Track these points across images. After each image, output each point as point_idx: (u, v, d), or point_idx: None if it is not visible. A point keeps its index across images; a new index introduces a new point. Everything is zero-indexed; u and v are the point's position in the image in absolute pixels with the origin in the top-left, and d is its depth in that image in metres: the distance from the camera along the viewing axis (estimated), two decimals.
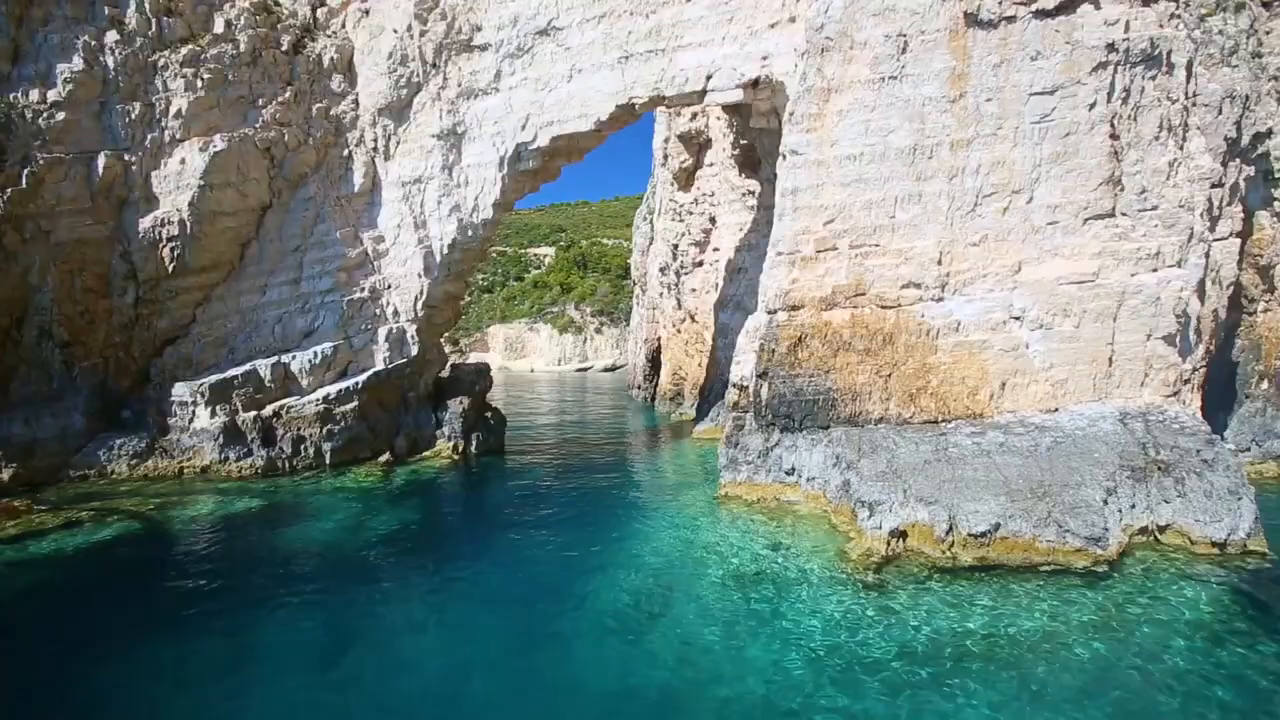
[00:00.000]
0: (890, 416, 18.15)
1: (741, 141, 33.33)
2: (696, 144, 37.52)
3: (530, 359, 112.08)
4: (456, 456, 25.97)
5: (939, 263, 18.10)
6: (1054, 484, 14.73)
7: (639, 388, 53.00)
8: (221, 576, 14.85)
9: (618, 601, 13.38)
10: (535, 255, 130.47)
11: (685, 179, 38.32)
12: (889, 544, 14.43)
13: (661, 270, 41.94)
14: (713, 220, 37.07)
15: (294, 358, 24.39)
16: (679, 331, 40.62)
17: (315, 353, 24.54)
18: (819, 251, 18.80)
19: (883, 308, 18.33)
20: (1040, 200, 17.84)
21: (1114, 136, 17.47)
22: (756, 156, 32.17)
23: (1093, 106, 17.37)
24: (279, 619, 12.97)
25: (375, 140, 26.11)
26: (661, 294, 43.31)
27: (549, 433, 35.33)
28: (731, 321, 33.69)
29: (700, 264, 37.88)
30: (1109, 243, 17.52)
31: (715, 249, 37.01)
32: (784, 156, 19.79)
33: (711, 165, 36.92)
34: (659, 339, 50.16)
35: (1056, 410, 17.46)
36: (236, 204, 23.59)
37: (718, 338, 35.08)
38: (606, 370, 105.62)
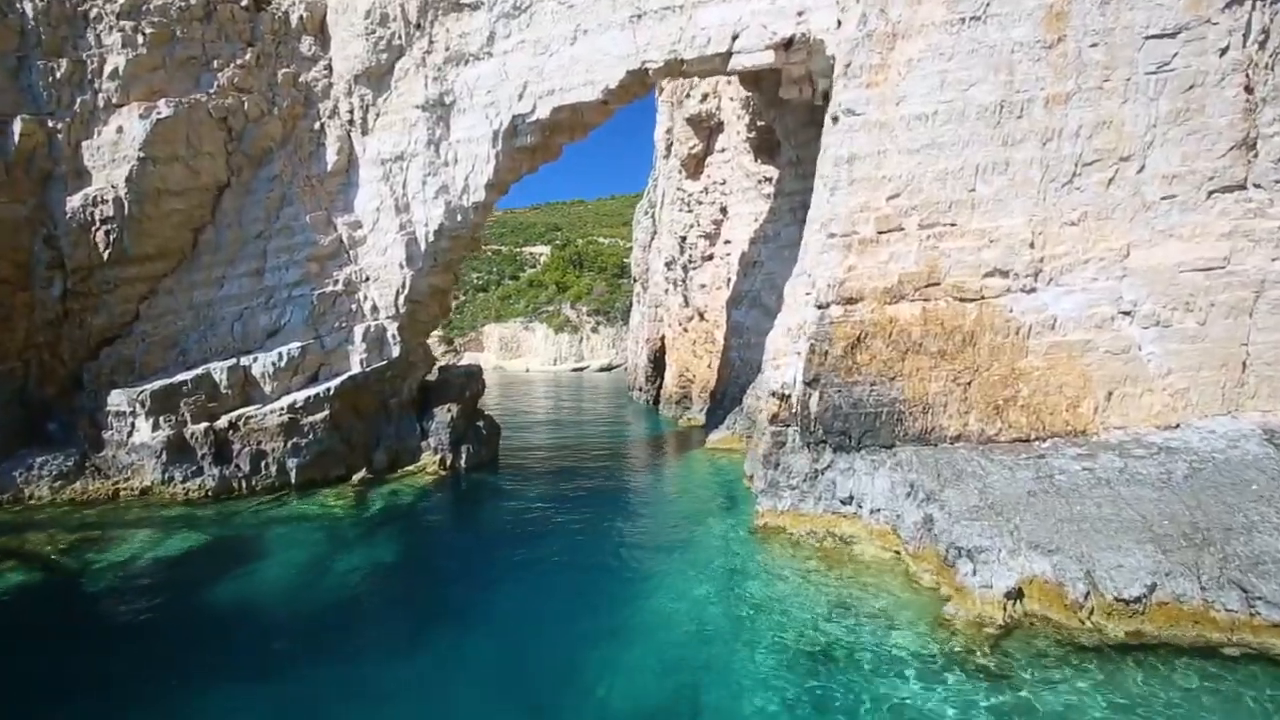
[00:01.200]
0: (970, 434, 14.38)
1: (758, 123, 29.48)
2: (707, 128, 33.63)
3: (525, 359, 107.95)
4: (444, 471, 21.96)
5: (1031, 245, 14.31)
6: (1212, 527, 10.98)
7: (640, 389, 49.14)
8: (139, 654, 10.89)
9: (641, 697, 9.54)
10: (530, 254, 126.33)
11: (694, 166, 34.43)
12: (1006, 608, 10.65)
13: (667, 265, 38.07)
14: (724, 211, 33.25)
15: (255, 360, 20.34)
16: (686, 330, 36.80)
17: (281, 354, 20.51)
18: (881, 233, 14.97)
19: (961, 300, 14.52)
20: (1154, 169, 14.07)
21: (1248, 90, 13.76)
22: (775, 139, 28.35)
23: (1224, 52, 13.61)
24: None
25: (351, 112, 22.08)
26: (667, 290, 39.45)
27: (546, 440, 31.40)
28: (746, 320, 29.89)
29: (710, 258, 34.04)
30: (1241, 220, 13.76)
31: (727, 242, 33.19)
32: (834, 119, 15.97)
33: (723, 151, 33.07)
34: (662, 339, 46.28)
35: (1177, 427, 13.72)
36: (186, 181, 19.52)
37: (730, 337, 31.24)
38: (603, 370, 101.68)
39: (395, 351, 21.78)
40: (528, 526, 17.50)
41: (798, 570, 13.51)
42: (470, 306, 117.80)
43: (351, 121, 22.11)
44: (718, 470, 23.11)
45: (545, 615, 12.46)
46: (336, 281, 21.69)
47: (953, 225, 14.66)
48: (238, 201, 20.85)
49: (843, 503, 14.81)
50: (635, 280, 56.10)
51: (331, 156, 22.01)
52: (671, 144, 48.32)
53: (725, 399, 30.19)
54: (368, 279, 22.11)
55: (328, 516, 17.89)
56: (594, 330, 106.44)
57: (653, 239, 51.49)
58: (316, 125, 21.91)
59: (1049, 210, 14.39)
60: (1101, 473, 12.68)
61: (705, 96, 32.98)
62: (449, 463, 22.18)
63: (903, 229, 14.89)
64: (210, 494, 18.60)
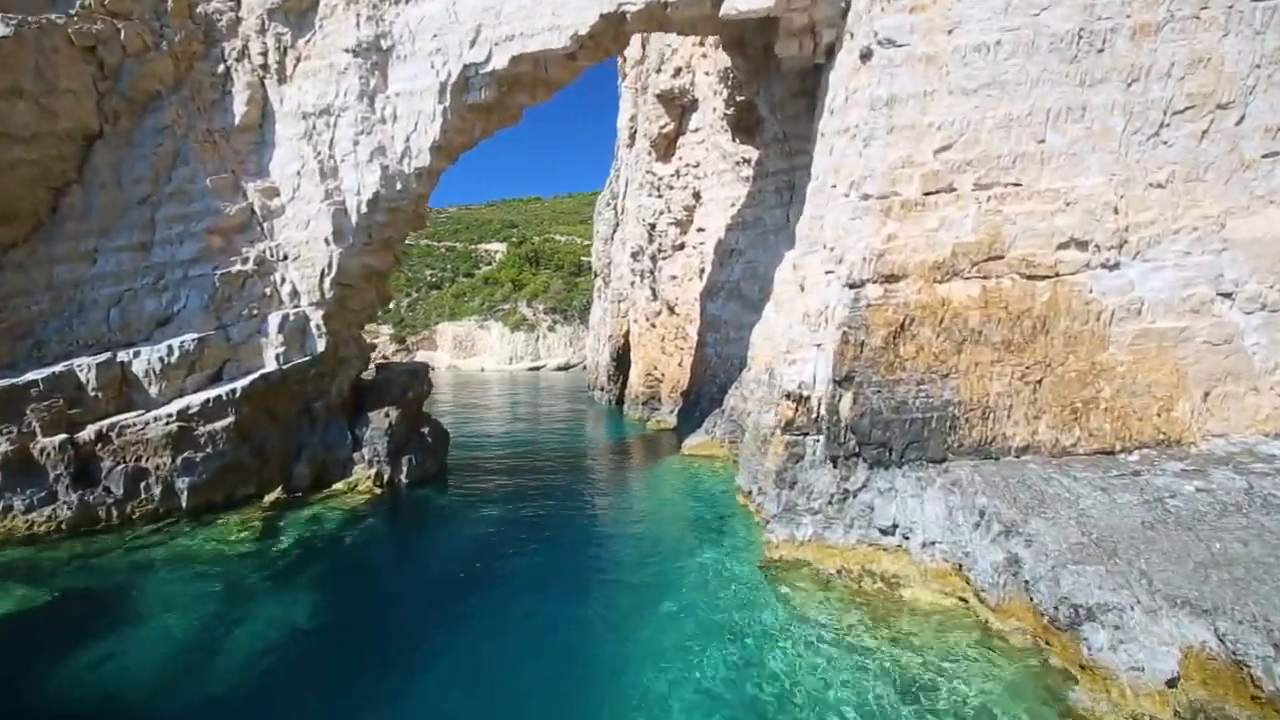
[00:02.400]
0: (1041, 444, 11.14)
1: (737, 98, 26.00)
2: (679, 106, 30.03)
3: (480, 358, 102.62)
4: (379, 489, 17.65)
5: (1115, 211, 11.19)
6: None
7: (602, 389, 45.31)
8: None
9: None
10: (486, 251, 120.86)
11: (665, 147, 30.81)
12: (1172, 702, 7.35)
13: (634, 256, 34.35)
14: (697, 196, 29.74)
15: (137, 354, 15.71)
16: (654, 326, 33.18)
17: (171, 347, 15.92)
18: (928, 193, 11.60)
19: (1030, 278, 11.25)
20: (1256, 119, 11.08)
21: None
22: (756, 117, 24.94)
23: None
24: None
25: (265, 54, 17.59)
26: (633, 283, 35.72)
27: (501, 448, 27.26)
28: (724, 313, 26.43)
29: (682, 247, 30.49)
30: None
31: (700, 230, 29.70)
32: (865, 55, 12.51)
33: (697, 131, 29.55)
34: (626, 335, 42.54)
35: None
36: (37, 124, 14.75)
37: (705, 332, 27.75)
38: (560, 370, 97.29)
39: (320, 345, 17.42)
40: (477, 563, 13.45)
41: (836, 627, 9.94)
42: (423, 304, 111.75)
43: (265, 66, 17.61)
44: (698, 482, 19.48)
45: (504, 701, 8.60)
46: (245, 260, 17.17)
47: (1017, 185, 11.36)
48: (114, 156, 16.12)
49: (883, 532, 11.36)
50: (596, 275, 52.25)
51: (240, 108, 17.46)
52: (635, 131, 44.70)
53: (700, 399, 26.69)
54: (285, 258, 17.65)
55: (226, 555, 13.46)
56: (551, 329, 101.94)
57: (615, 231, 47.76)
58: (220, 68, 17.33)
59: (1132, 168, 11.26)
60: (1224, 495, 9.55)
61: (678, 71, 29.36)
62: (386, 478, 17.92)
63: (955, 189, 11.53)
64: (65, 526, 13.91)
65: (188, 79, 16.91)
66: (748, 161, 26.53)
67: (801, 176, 19.71)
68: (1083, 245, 11.14)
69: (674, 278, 30.69)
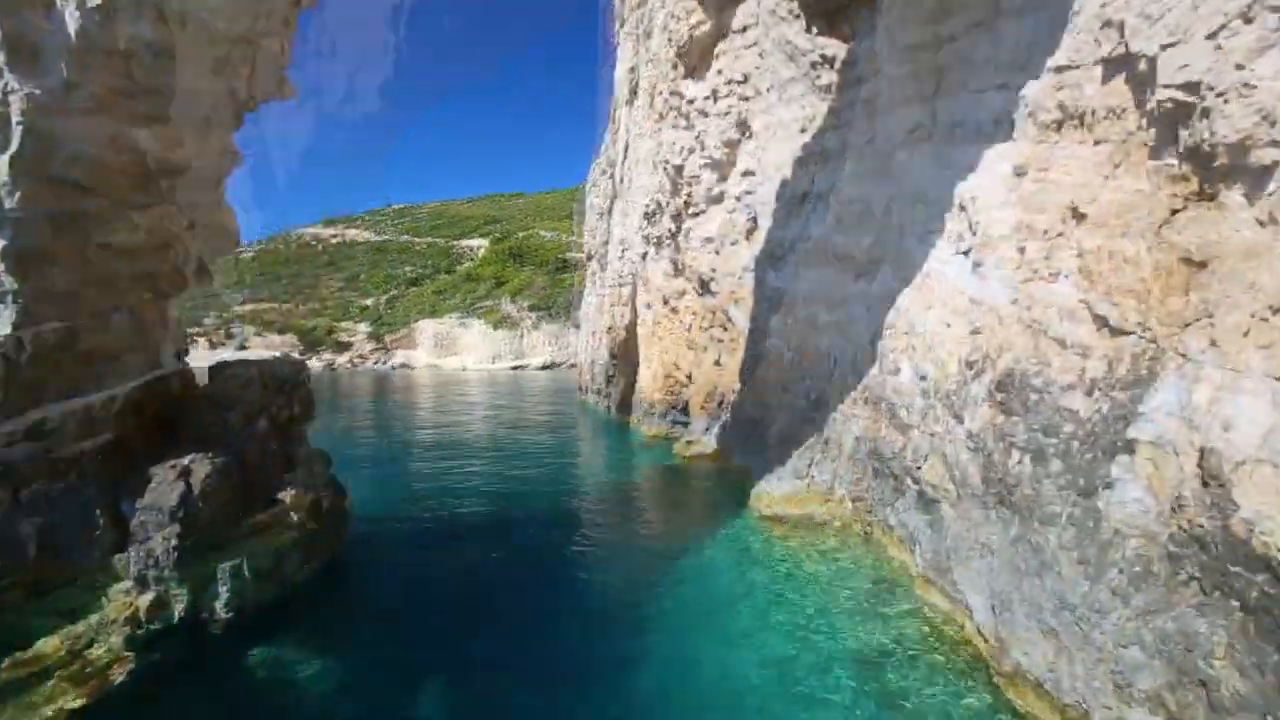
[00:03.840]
0: None
1: None
2: None
3: (461, 356, 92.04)
4: (162, 631, 7.88)
5: None
6: None
7: (597, 393, 35.46)
8: None
9: None
10: (467, 247, 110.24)
11: (697, 57, 21.01)
12: None
13: (647, 217, 24.51)
14: (744, 125, 20.11)
15: None
16: (674, 312, 23.49)
17: None
18: None
19: None
20: None
21: None
22: None
23: None
24: None
25: None
26: (644, 255, 25.88)
27: (462, 493, 17.05)
28: (797, 285, 16.81)
29: (720, 199, 20.83)
30: None
31: (748, 174, 20.08)
32: None
33: (745, 31, 19.86)
34: (631, 326, 32.78)
35: None
36: None
37: (765, 315, 18.09)
38: (544, 369, 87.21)
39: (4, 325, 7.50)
40: None
41: None
42: (402, 301, 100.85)
43: None
44: (843, 604, 9.71)
45: None
46: None
47: None
48: None
49: None
50: (589, 258, 42.39)
51: None
52: (637, 85, 35.17)
53: (763, 414, 17.03)
54: None
55: None
56: (534, 326, 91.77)
57: (613, 203, 38.00)
58: None
59: None
60: None
61: None
62: (182, 609, 8.01)
63: None
64: None
65: None
66: (829, 63, 16.92)
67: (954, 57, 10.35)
68: None
69: (708, 241, 20.97)
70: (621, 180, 36.06)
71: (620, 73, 37.84)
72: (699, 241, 21.14)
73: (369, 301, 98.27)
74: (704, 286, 21.29)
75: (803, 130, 17.89)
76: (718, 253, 20.66)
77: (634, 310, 32.58)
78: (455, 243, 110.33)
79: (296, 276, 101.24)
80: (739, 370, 18.99)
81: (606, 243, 37.42)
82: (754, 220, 19.73)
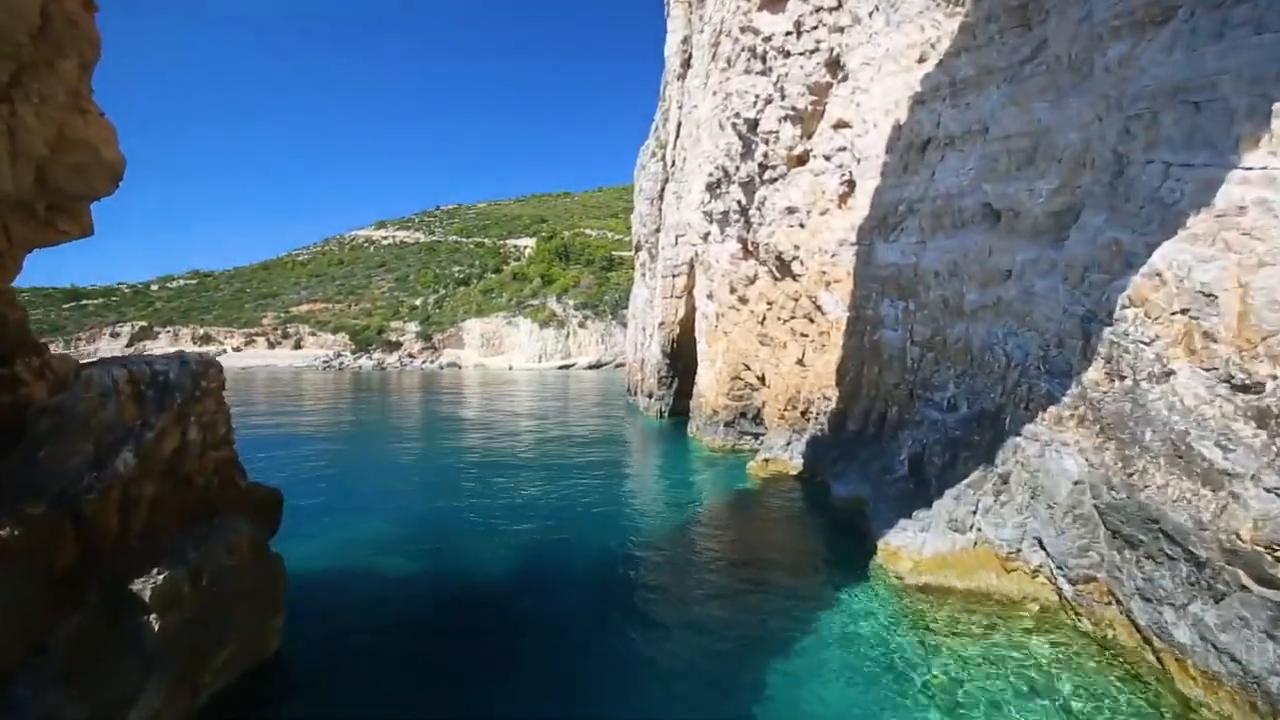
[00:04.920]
0: None
1: None
2: None
3: (508, 355, 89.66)
4: None
5: None
6: None
7: (649, 395, 31.38)
8: None
9: None
10: (515, 246, 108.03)
11: None
12: None
13: (710, 190, 20.15)
14: (835, 65, 15.66)
15: None
16: (743, 301, 19.17)
17: None
18: None
19: None
20: None
21: None
22: None
23: None
24: None
25: None
26: (707, 235, 21.54)
27: (499, 522, 13.10)
28: (918, 258, 12.20)
29: (804, 158, 16.41)
30: None
31: (840, 126, 15.57)
32: None
33: None
34: (682, 321, 28.62)
35: None
36: None
37: (875, 301, 13.54)
38: (591, 368, 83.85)
39: None
40: None
41: None
42: (451, 301, 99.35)
43: None
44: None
45: None
46: None
47: None
48: None
49: None
50: (637, 249, 38.35)
51: None
52: (689, 57, 31.14)
53: (876, 431, 12.56)
54: None
55: None
56: (581, 325, 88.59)
57: (664, 187, 33.84)
58: None
59: None
60: None
61: None
62: None
63: None
64: None
65: None
66: None
67: None
68: None
69: (790, 213, 16.53)
70: (673, 163, 31.97)
71: (671, 45, 33.67)
72: (777, 213, 16.74)
73: (418, 301, 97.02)
74: (783, 268, 16.88)
75: (921, 60, 13.32)
76: (802, 225, 16.22)
77: (690, 302, 28.37)
78: (503, 242, 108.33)
79: (349, 277, 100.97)
80: (835, 370, 14.51)
81: (657, 230, 33.29)
82: (849, 182, 15.22)
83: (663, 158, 34.49)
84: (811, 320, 16.13)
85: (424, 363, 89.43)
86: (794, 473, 15.34)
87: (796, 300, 16.55)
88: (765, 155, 16.76)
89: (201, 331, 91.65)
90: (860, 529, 10.88)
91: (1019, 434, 8.39)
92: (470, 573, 9.88)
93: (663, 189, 33.75)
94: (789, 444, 16.17)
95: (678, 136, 31.56)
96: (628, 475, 17.03)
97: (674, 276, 28.71)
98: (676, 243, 28.60)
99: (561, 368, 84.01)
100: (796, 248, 16.23)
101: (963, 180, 11.57)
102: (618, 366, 77.73)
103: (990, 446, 8.82)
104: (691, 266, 28.10)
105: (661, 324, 29.33)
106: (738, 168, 17.84)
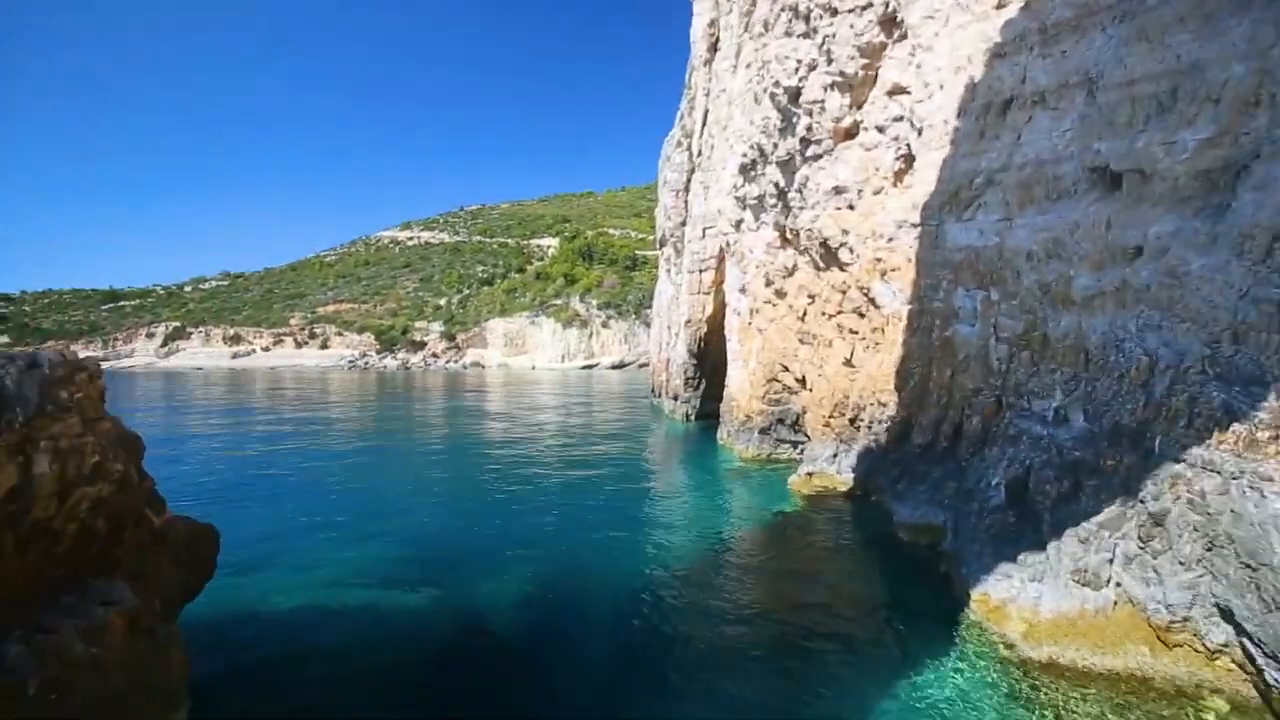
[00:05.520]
0: None
1: None
2: None
3: (531, 355, 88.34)
4: None
5: None
6: None
7: (675, 397, 29.36)
8: None
9: None
10: (538, 246, 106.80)
11: None
12: None
13: (744, 173, 18.03)
14: (890, 22, 13.46)
15: None
16: (779, 295, 17.05)
17: None
18: None
19: None
20: None
21: None
22: None
23: None
24: None
25: None
26: (739, 224, 19.43)
27: (511, 548, 11.29)
28: (1003, 237, 9.88)
29: (853, 130, 14.23)
30: None
31: (896, 90, 13.36)
32: None
33: None
34: (710, 319, 26.56)
35: None
36: None
37: (945, 292, 11.32)
38: (614, 368, 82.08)
39: None
40: None
41: None
42: (474, 300, 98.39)
43: None
44: None
45: None
46: None
47: None
48: None
49: None
50: (661, 245, 36.35)
51: None
52: (716, 38, 29.08)
53: (950, 446, 10.37)
54: None
55: None
56: (604, 325, 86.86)
57: (690, 178, 31.79)
58: None
59: None
60: None
61: None
62: None
63: None
64: None
65: None
66: None
67: None
68: None
69: (837, 193, 14.35)
70: (699, 152, 29.93)
71: (697, 29, 31.65)
72: (822, 194, 14.59)
73: (442, 301, 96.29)
74: (828, 257, 14.73)
75: (1000, 5, 11.09)
76: (851, 207, 14.05)
77: (719, 299, 26.30)
78: (527, 242, 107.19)
79: (375, 278, 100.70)
80: (894, 372, 12.34)
81: (683, 223, 31.24)
82: (907, 155, 13.02)
83: (688, 148, 32.45)
84: (862, 315, 13.96)
85: (447, 362, 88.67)
86: (843, 489, 13.21)
87: (844, 292, 14.38)
88: (808, 129, 14.61)
89: (232, 332, 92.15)
90: (938, 569, 8.74)
91: (1178, 459, 6.20)
92: (474, 614, 8.05)
93: (688, 180, 31.73)
94: (836, 456, 14.02)
95: (704, 125, 29.57)
96: (653, 492, 15.04)
97: (701, 271, 26.67)
98: (704, 235, 26.57)
99: (584, 368, 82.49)
100: (845, 233, 14.07)
101: (1058, 143, 9.36)
102: (641, 366, 75.87)
103: (1131, 474, 6.63)
104: (720, 260, 26.04)
105: (688, 321, 27.30)
106: (776, 145, 15.72)
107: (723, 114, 23.65)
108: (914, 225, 12.24)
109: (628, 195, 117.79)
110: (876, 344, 13.50)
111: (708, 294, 26.47)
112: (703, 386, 27.29)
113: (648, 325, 76.71)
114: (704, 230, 26.47)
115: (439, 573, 9.44)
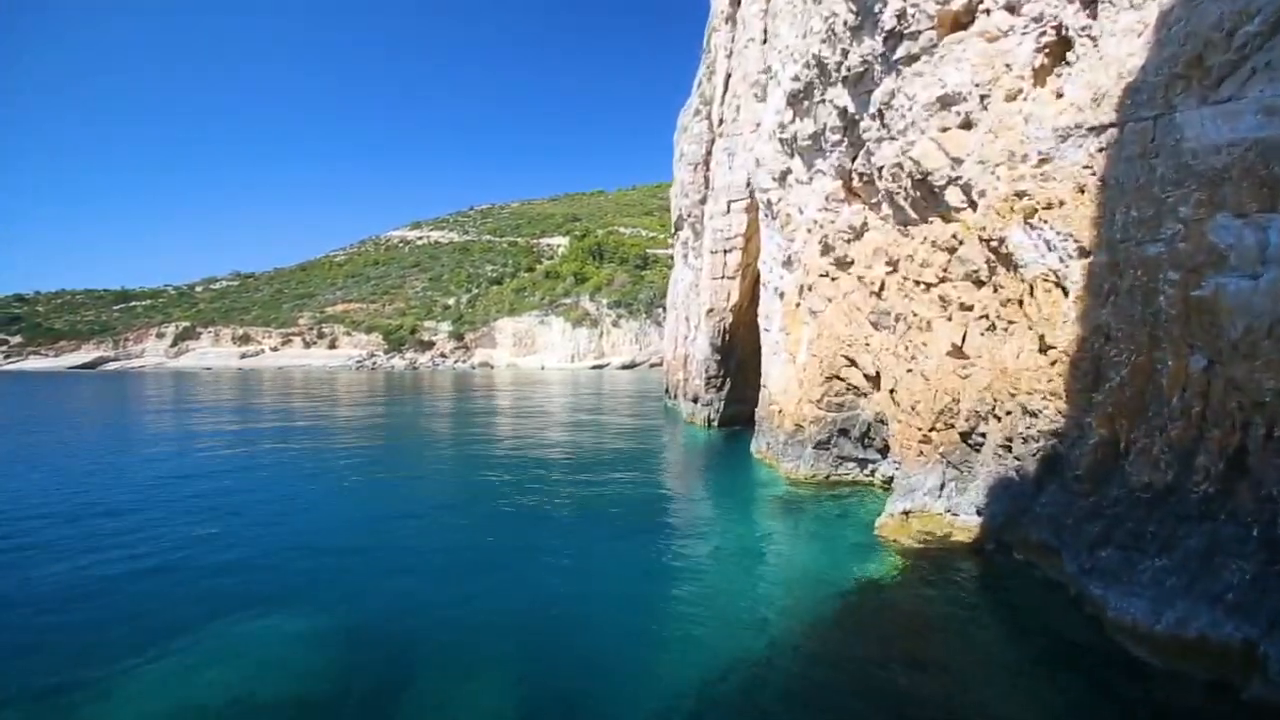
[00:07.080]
0: None
1: None
2: None
3: (541, 355, 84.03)
4: None
5: None
6: None
7: (694, 399, 24.65)
8: None
9: None
10: (548, 245, 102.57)
11: None
12: None
13: (793, 103, 13.25)
14: None
15: None
16: (842, 265, 12.40)
17: None
18: None
19: None
20: None
21: None
22: None
23: None
24: None
25: None
26: (784, 176, 14.68)
27: (480, 665, 7.04)
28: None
29: (965, 17, 9.59)
30: None
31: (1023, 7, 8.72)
32: None
33: None
34: (735, 308, 21.89)
35: None
36: None
37: (1157, 227, 6.61)
38: (625, 368, 77.54)
39: None
40: None
41: None
42: (483, 300, 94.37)
43: None
44: None
45: None
46: None
47: None
48: None
49: None
50: (677, 229, 31.69)
51: None
52: None
53: (1233, 487, 5.68)
54: None
55: None
56: (615, 324, 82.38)
57: (710, 148, 27.14)
58: None
59: None
60: None
61: None
62: None
63: None
64: None
65: None
66: None
67: None
68: None
69: (944, 105, 9.59)
70: (721, 120, 25.30)
71: None
72: (920, 110, 9.86)
73: (451, 301, 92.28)
74: (926, 201, 10.01)
75: None
76: (968, 125, 9.32)
77: (745, 284, 21.62)
78: (536, 241, 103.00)
79: (383, 277, 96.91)
80: (1068, 364, 7.58)
81: (703, 200, 26.59)
82: (1061, 39, 8.28)
83: (707, 115, 27.78)
84: (982, 282, 9.24)
85: (455, 362, 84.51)
86: (964, 539, 8.52)
87: (952, 251, 9.66)
88: (898, 19, 9.91)
89: (241, 332, 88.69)
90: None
91: None
92: None
93: (708, 152, 27.07)
94: (943, 488, 9.32)
95: (726, 89, 24.94)
96: (677, 536, 10.33)
97: (726, 251, 22.02)
98: (729, 210, 21.93)
99: (594, 367, 78.00)
100: (957, 162, 9.35)
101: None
102: (653, 366, 71.28)
103: None
104: (747, 240, 21.38)
105: (710, 311, 22.63)
106: (845, 53, 11.02)
107: (751, 65, 19.04)
108: (1093, 130, 7.50)
109: (639, 194, 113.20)
110: (1010, 323, 8.77)
111: (733, 278, 21.81)
112: (727, 387, 22.63)
113: (659, 324, 72.06)
114: (728, 204, 21.83)
115: (400, 672, 4.86)
